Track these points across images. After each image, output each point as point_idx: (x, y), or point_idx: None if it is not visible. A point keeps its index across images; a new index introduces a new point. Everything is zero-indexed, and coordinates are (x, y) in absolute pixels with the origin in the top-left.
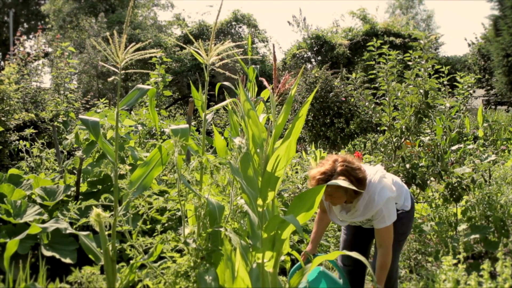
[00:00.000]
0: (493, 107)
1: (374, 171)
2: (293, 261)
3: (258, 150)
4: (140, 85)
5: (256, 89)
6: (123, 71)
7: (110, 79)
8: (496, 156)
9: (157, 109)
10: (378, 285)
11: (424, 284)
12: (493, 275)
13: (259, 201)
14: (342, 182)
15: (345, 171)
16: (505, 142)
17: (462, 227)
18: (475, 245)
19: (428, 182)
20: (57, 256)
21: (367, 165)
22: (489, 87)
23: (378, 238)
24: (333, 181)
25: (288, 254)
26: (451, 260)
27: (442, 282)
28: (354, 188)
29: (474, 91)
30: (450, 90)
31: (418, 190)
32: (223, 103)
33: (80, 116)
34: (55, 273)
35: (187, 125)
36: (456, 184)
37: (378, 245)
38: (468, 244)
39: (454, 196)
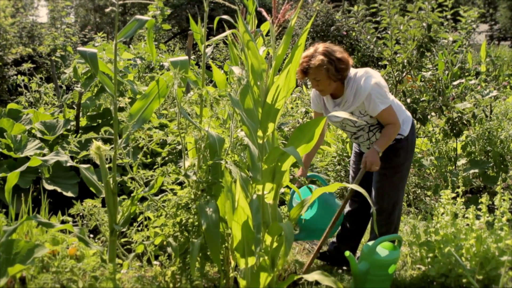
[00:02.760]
0: (497, 42)
1: (363, 70)
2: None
3: (258, 82)
4: (139, 16)
5: (256, 22)
6: (121, 1)
7: (107, 10)
8: (498, 91)
9: (156, 43)
10: (378, 148)
11: (422, 217)
12: (491, 209)
13: (259, 133)
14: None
15: (325, 51)
16: (507, 78)
17: (462, 162)
18: (474, 180)
19: (429, 117)
20: (59, 189)
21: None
22: (493, 22)
23: (382, 121)
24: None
25: (288, 186)
26: (449, 194)
27: (440, 215)
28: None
29: (477, 26)
30: (453, 24)
31: (418, 125)
32: (223, 34)
33: (78, 48)
34: (57, 206)
35: (186, 57)
36: (456, 119)
37: (384, 125)
38: (467, 179)
39: (454, 131)
